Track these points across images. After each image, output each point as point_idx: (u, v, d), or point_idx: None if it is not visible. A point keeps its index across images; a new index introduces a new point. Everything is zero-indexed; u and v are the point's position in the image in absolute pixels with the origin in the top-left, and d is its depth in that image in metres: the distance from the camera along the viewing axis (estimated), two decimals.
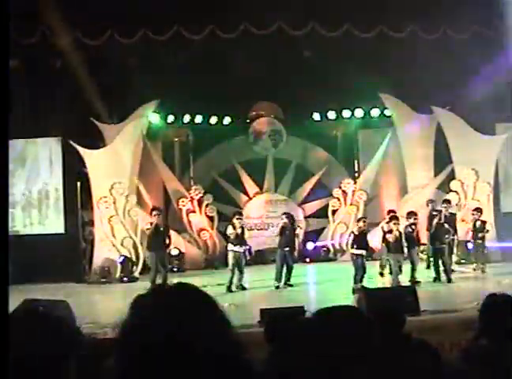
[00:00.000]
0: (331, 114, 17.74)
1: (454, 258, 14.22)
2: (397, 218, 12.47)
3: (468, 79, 14.10)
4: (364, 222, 12.58)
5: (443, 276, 12.55)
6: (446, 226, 13.23)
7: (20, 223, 15.63)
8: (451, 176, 16.32)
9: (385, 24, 14.17)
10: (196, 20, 13.92)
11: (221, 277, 13.06)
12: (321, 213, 17.98)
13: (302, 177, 18.20)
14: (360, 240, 12.21)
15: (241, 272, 12.67)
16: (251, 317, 8.71)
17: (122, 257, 15.13)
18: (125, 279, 14.82)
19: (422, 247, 13.61)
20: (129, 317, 1.50)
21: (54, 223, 15.72)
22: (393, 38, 14.38)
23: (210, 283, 12.11)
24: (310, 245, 17.35)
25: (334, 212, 17.72)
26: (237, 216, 13.04)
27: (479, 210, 14.19)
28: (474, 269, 13.83)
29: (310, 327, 1.74)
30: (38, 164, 15.78)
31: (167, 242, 13.07)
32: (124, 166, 15.53)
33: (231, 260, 12.64)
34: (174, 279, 10.63)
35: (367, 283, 11.77)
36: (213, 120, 17.59)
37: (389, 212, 13.55)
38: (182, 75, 14.76)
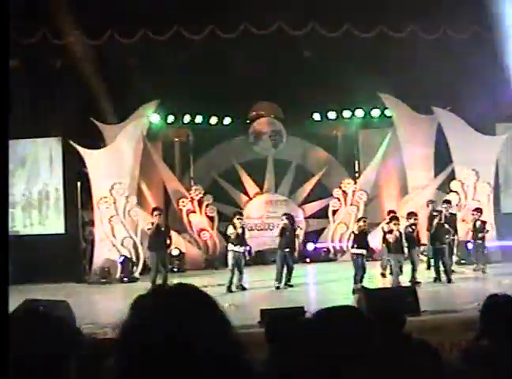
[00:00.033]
0: (331, 115, 17.74)
1: (454, 258, 14.22)
2: (397, 218, 12.47)
3: (468, 79, 14.10)
4: (364, 221, 12.58)
5: (443, 277, 12.55)
6: (447, 226, 13.23)
7: (21, 223, 15.63)
8: (451, 176, 16.31)
9: (385, 24, 14.17)
10: (196, 20, 13.93)
11: (221, 277, 13.05)
12: (322, 213, 17.98)
13: (302, 177, 18.20)
14: (360, 240, 12.21)
15: (241, 273, 12.67)
16: (251, 318, 8.72)
17: (123, 257, 15.12)
18: (125, 279, 14.82)
19: (422, 247, 13.60)
20: (130, 317, 1.49)
21: (54, 224, 15.72)
22: (393, 38, 14.38)
23: (210, 283, 12.11)
24: (310, 246, 17.35)
25: (334, 212, 17.72)
26: (237, 216, 13.04)
27: (479, 210, 14.18)
28: (474, 270, 13.83)
29: (311, 327, 1.74)
30: (38, 164, 15.77)
31: (168, 242, 13.09)
32: (124, 166, 15.52)
33: (230, 261, 12.63)
34: (174, 280, 10.62)
35: (367, 283, 11.76)
36: (213, 120, 17.59)
37: (390, 212, 13.56)
38: (182, 75, 14.76)
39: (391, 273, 12.36)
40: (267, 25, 14.10)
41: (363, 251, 12.09)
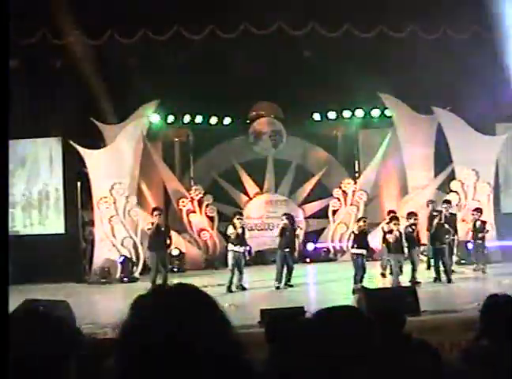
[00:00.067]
0: (331, 115, 17.74)
1: (455, 259, 14.21)
2: (397, 218, 12.46)
3: (468, 79, 14.09)
4: (364, 221, 12.58)
5: (443, 277, 12.55)
6: (447, 226, 13.23)
7: (20, 223, 15.63)
8: (451, 176, 16.31)
9: (385, 24, 14.17)
10: (196, 20, 13.92)
11: (221, 277, 13.05)
12: (322, 213, 17.98)
13: (302, 177, 18.20)
14: (360, 240, 12.21)
15: (240, 273, 12.67)
16: (251, 318, 8.72)
17: (123, 257, 15.12)
18: (125, 279, 14.82)
19: (422, 247, 13.60)
20: (130, 317, 1.50)
21: (54, 224, 15.72)
22: (393, 38, 14.38)
23: (210, 283, 12.10)
24: (310, 246, 17.35)
25: (334, 212, 17.72)
26: (237, 216, 13.04)
27: (479, 210, 14.19)
28: (474, 270, 13.83)
29: (311, 327, 1.74)
30: (38, 164, 15.77)
31: (168, 242, 13.09)
32: (124, 166, 15.52)
33: (230, 261, 12.63)
34: (174, 280, 10.62)
35: (367, 283, 11.76)
36: (213, 120, 17.59)
37: (390, 212, 13.55)
38: (182, 75, 14.76)
39: (391, 273, 12.35)
40: (267, 25, 14.10)
41: (363, 251, 12.09)
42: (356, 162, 18.49)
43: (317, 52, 15.37)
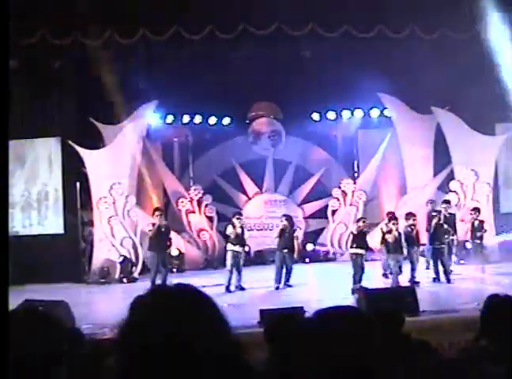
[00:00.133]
0: (330, 115, 17.74)
1: (454, 258, 14.21)
2: (395, 218, 12.47)
3: (467, 79, 14.10)
4: (364, 222, 12.58)
5: (443, 277, 12.56)
6: (446, 226, 13.23)
7: (20, 223, 15.62)
8: (450, 176, 16.32)
9: (384, 25, 14.16)
10: (195, 20, 13.92)
11: (221, 277, 13.05)
12: (321, 213, 17.99)
13: (301, 177, 18.20)
14: (359, 240, 12.21)
15: (239, 273, 12.67)
16: (251, 318, 8.72)
17: (122, 258, 15.12)
18: (124, 279, 14.82)
19: (421, 247, 13.60)
20: (129, 317, 1.50)
21: (53, 224, 15.71)
22: (392, 38, 14.37)
23: (209, 283, 12.09)
24: (309, 246, 17.35)
25: (334, 212, 17.73)
26: (237, 216, 13.04)
27: (477, 210, 14.20)
28: (474, 270, 13.83)
29: (310, 327, 1.74)
30: (37, 165, 15.77)
31: (168, 242, 13.10)
32: (123, 166, 15.52)
33: (229, 261, 12.64)
34: (173, 280, 10.62)
35: (366, 283, 11.75)
36: (213, 120, 17.58)
37: (389, 214, 13.49)
38: (182, 75, 14.76)
39: (391, 273, 12.36)
40: (266, 25, 14.08)
41: (362, 251, 12.10)
42: (356, 162, 18.49)
43: (316, 52, 15.37)
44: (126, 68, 14.70)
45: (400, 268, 12.07)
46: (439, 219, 13.13)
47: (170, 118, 17.18)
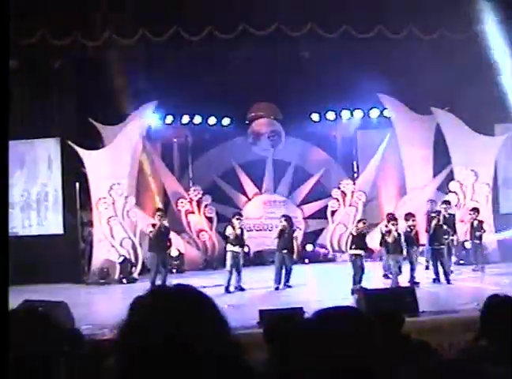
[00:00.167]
0: (330, 115, 17.74)
1: (453, 259, 14.21)
2: (395, 218, 12.46)
3: (466, 79, 14.10)
4: (364, 223, 12.57)
5: (442, 277, 12.55)
6: (445, 227, 13.22)
7: (19, 224, 15.62)
8: (450, 177, 16.31)
9: (383, 25, 14.17)
10: (195, 20, 13.92)
11: (220, 278, 13.04)
12: (320, 214, 17.99)
13: (301, 178, 18.20)
14: (359, 241, 12.20)
15: (239, 273, 12.67)
16: (251, 318, 8.72)
17: (122, 258, 15.11)
18: (124, 280, 14.80)
19: (421, 248, 13.60)
20: (129, 318, 1.50)
21: (53, 224, 15.71)
22: (391, 39, 14.38)
23: (209, 283, 12.09)
24: (309, 246, 17.35)
25: (333, 212, 17.73)
26: (236, 217, 13.04)
27: (476, 210, 14.23)
28: (473, 270, 13.84)
29: (310, 327, 1.74)
30: (37, 165, 15.76)
31: (168, 243, 13.11)
32: (123, 166, 15.51)
33: (229, 261, 12.64)
34: (173, 280, 10.62)
35: (366, 283, 11.75)
36: (212, 121, 17.58)
37: (388, 215, 13.43)
38: (181, 76, 14.76)
39: (391, 273, 12.36)
40: (265, 26, 14.09)
41: (361, 252, 12.09)
42: (355, 162, 18.50)
43: (315, 53, 15.38)
44: (125, 68, 14.70)
45: (399, 268, 12.07)
46: (439, 220, 13.11)
47: (169, 119, 17.18)
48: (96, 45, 13.96)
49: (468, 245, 14.71)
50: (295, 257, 13.25)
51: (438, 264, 12.70)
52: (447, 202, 14.09)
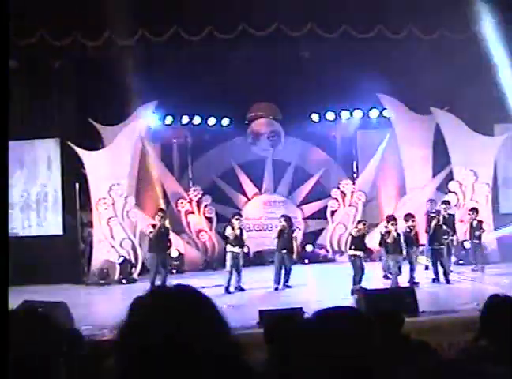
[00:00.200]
0: (330, 115, 17.73)
1: (453, 259, 14.22)
2: (394, 218, 12.46)
3: (466, 79, 14.10)
4: (364, 224, 12.57)
5: (442, 277, 12.56)
6: (445, 227, 13.23)
7: (19, 224, 15.61)
8: (450, 177, 16.32)
9: (383, 25, 14.17)
10: (194, 21, 13.92)
11: (220, 278, 13.05)
12: (320, 214, 17.98)
13: (300, 178, 18.20)
14: (358, 241, 12.21)
15: (238, 274, 12.67)
16: (250, 319, 8.72)
17: (121, 259, 15.11)
18: (124, 280, 14.80)
19: (421, 248, 13.60)
20: (129, 318, 1.50)
21: (52, 225, 15.70)
22: (391, 39, 14.38)
23: (209, 284, 12.09)
24: (308, 247, 17.35)
25: (333, 212, 17.72)
26: (236, 217, 13.04)
27: (475, 210, 14.25)
28: (473, 270, 13.84)
29: (310, 327, 1.74)
30: (36, 166, 15.76)
31: (168, 243, 13.11)
32: (123, 167, 15.51)
33: (229, 261, 12.64)
34: (173, 281, 10.62)
35: (366, 284, 11.75)
36: (212, 121, 17.57)
37: (388, 217, 13.38)
38: (181, 76, 14.76)
39: (390, 273, 12.35)
40: (265, 26, 14.09)
41: (361, 253, 12.10)
42: (355, 162, 18.49)
43: (315, 53, 15.37)
44: (125, 68, 14.69)
45: (399, 268, 12.08)
46: (438, 220, 13.12)
47: (169, 119, 17.17)
48: (96, 45, 13.95)
49: (467, 245, 14.71)
50: (294, 257, 13.26)
51: (438, 264, 12.70)
52: (447, 202, 14.09)
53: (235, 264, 12.59)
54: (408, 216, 12.77)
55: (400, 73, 14.78)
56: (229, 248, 12.79)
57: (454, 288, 12.19)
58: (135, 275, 15.13)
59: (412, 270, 12.37)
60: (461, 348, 3.40)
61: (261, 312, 8.62)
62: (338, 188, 17.63)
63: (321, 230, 17.91)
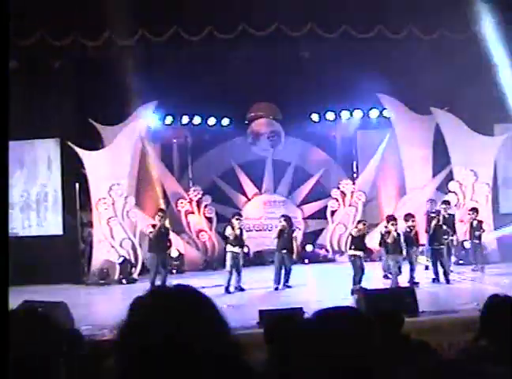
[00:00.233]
0: (330, 115, 17.72)
1: (453, 259, 14.22)
2: (394, 218, 12.46)
3: (466, 79, 14.11)
4: (364, 225, 12.57)
5: (442, 277, 12.56)
6: (445, 227, 13.23)
7: (19, 224, 15.61)
8: (450, 177, 16.32)
9: (383, 25, 14.17)
10: (194, 21, 13.92)
11: (220, 278, 13.05)
12: (320, 214, 17.98)
13: (300, 178, 18.19)
14: (358, 241, 12.21)
15: (239, 274, 12.68)
16: (250, 319, 8.72)
17: (122, 258, 15.11)
18: (124, 280, 14.80)
19: (421, 248, 13.60)
20: (129, 318, 1.50)
21: (52, 225, 15.70)
22: (391, 39, 14.38)
23: (209, 284, 12.10)
24: (308, 247, 17.35)
25: (333, 212, 17.72)
26: (236, 217, 13.05)
27: (475, 210, 14.26)
28: (473, 270, 13.84)
29: (310, 327, 1.74)
30: (36, 166, 15.76)
31: (168, 244, 13.11)
32: (123, 167, 15.51)
33: (229, 261, 12.65)
34: (173, 281, 10.62)
35: (366, 284, 11.75)
36: (212, 121, 17.56)
37: (388, 217, 13.37)
38: (181, 76, 14.76)
39: (390, 273, 12.35)
40: (265, 26, 14.09)
41: (361, 253, 12.10)
42: (355, 162, 18.49)
43: (315, 53, 15.37)
44: (125, 68, 14.69)
45: (399, 268, 12.08)
46: (438, 220, 13.12)
47: (169, 119, 17.16)
48: (96, 45, 13.95)
49: (467, 245, 14.71)
50: (294, 257, 13.25)
51: (438, 264, 12.70)
52: (447, 202, 14.09)
53: (235, 264, 12.59)
54: (408, 216, 12.77)
55: (400, 73, 14.78)
56: (229, 248, 12.79)
57: (454, 288, 12.19)
58: (135, 275, 15.13)
59: (412, 270, 12.37)
60: (461, 348, 3.40)
61: (261, 312, 8.62)
62: (338, 188, 17.63)
63: (321, 230, 17.91)
